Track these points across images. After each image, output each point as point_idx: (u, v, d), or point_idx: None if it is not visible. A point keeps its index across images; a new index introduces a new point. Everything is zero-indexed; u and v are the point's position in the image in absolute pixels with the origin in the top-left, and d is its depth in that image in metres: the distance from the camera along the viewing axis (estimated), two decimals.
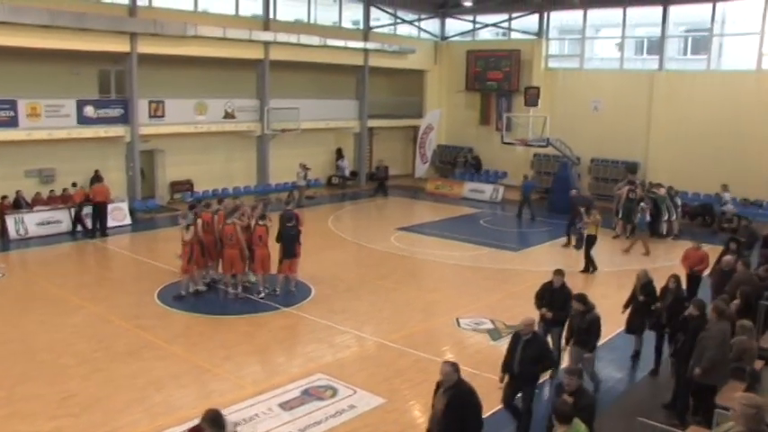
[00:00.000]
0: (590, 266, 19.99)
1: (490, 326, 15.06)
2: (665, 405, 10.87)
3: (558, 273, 12.39)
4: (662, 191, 25.15)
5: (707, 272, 15.98)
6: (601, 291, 16.99)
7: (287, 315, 15.58)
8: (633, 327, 13.17)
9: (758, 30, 27.98)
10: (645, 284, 12.91)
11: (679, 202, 25.40)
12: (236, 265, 16.63)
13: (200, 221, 16.91)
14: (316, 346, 13.70)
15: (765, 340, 12.53)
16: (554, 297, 12.24)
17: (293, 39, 29.66)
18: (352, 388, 11.72)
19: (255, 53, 29.21)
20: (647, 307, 12.79)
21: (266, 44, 29.35)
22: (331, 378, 12.10)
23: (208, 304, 16.44)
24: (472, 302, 16.76)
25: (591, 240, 20.06)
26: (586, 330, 11.09)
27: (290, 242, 16.94)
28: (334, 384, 11.87)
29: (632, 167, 30.37)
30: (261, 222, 16.81)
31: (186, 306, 16.01)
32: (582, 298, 11.35)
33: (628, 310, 13.22)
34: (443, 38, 38.76)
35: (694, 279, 15.91)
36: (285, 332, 14.58)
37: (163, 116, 26.65)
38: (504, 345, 13.74)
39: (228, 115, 28.95)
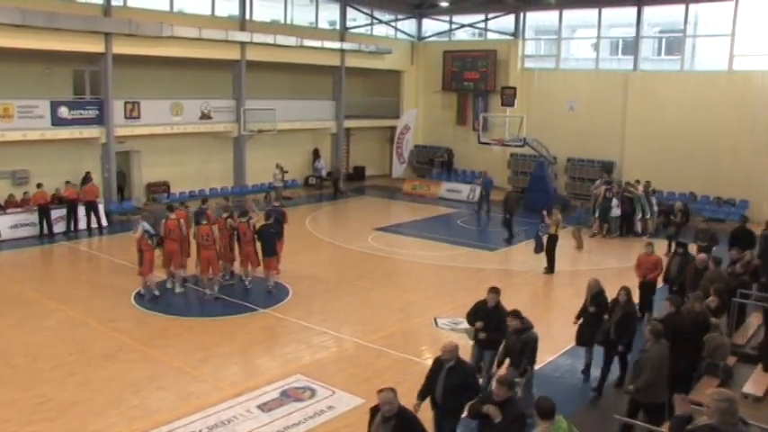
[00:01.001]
0: (553, 267, 19.99)
1: (467, 325, 14.98)
2: None
3: (493, 291, 11.32)
4: (639, 189, 25.40)
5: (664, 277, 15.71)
6: (576, 289, 17.12)
7: (265, 316, 15.54)
8: (583, 339, 12.46)
9: (729, 31, 28.45)
10: (595, 295, 12.21)
11: (655, 201, 25.66)
12: (213, 265, 16.69)
13: (162, 228, 17.06)
14: (294, 347, 13.68)
15: (738, 336, 12.75)
16: (488, 317, 11.14)
17: (269, 39, 29.59)
18: (331, 389, 11.72)
19: (232, 54, 29.11)
20: (598, 318, 12.10)
21: (242, 44, 29.27)
22: (310, 379, 12.09)
23: (185, 306, 16.37)
24: (450, 302, 16.78)
25: (553, 240, 20.00)
26: (520, 351, 10.28)
27: (268, 240, 17.06)
28: (312, 385, 11.86)
29: (608, 167, 30.66)
30: (243, 220, 17.09)
31: (163, 308, 15.92)
32: (518, 314, 10.54)
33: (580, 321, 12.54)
34: (420, 38, 38.85)
35: (648, 288, 15.28)
36: (263, 333, 14.54)
37: (138, 117, 26.44)
38: None
39: (205, 116, 28.81)
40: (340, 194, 32.46)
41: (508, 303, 16.73)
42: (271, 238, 17.21)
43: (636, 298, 14.35)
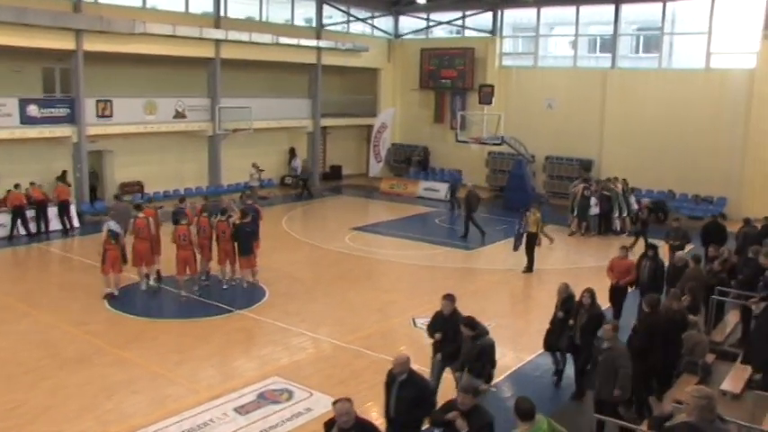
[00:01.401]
0: (532, 265, 20.07)
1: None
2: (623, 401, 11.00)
3: (447, 298, 10.77)
4: (618, 186, 25.60)
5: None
6: (555, 288, 17.22)
7: (241, 317, 15.49)
8: (550, 344, 12.22)
9: (706, 29, 28.79)
10: (565, 300, 11.98)
11: (633, 199, 25.86)
12: (190, 266, 16.68)
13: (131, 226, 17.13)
14: (271, 349, 13.66)
15: (716, 334, 12.92)
16: (445, 326, 10.63)
17: (245, 37, 29.49)
18: (309, 390, 11.71)
19: (206, 51, 28.95)
20: (566, 324, 11.88)
21: (217, 42, 29.12)
22: (287, 381, 12.07)
23: (160, 308, 16.31)
24: (428, 302, 16.53)
25: (532, 239, 20.03)
26: (477, 358, 9.89)
27: (244, 239, 17.14)
28: (290, 387, 11.84)
29: (586, 165, 30.93)
30: (222, 218, 17.27)
31: (138, 310, 15.82)
32: (470, 322, 10.11)
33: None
34: (397, 36, 38.89)
35: (619, 292, 14.88)
36: (240, 335, 14.50)
37: (111, 116, 26.18)
38: None
39: (179, 115, 28.62)
40: (308, 195, 32.03)
41: (488, 302, 16.89)
42: (247, 236, 17.29)
43: (606, 302, 14.50)
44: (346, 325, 15.19)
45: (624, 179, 26.48)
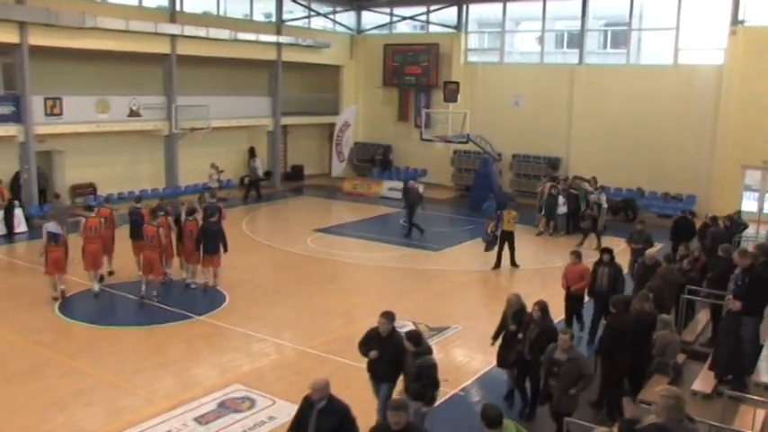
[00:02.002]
0: (499, 263, 20.42)
1: (413, 328, 15.08)
2: (592, 403, 11.11)
3: (386, 316, 10.16)
4: (585, 185, 25.78)
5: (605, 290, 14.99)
6: (524, 289, 17.32)
7: (201, 323, 15.35)
8: (506, 361, 11.48)
9: (674, 25, 29.22)
10: (516, 312, 11.38)
11: (604, 197, 25.99)
12: (155, 267, 16.66)
13: (82, 226, 17.23)
14: (232, 356, 13.56)
15: (687, 333, 13.09)
16: (382, 346, 9.97)
17: (202, 32, 29.23)
18: (271, 398, 11.63)
19: (161, 47, 28.64)
20: (516, 338, 11.32)
21: (173, 37, 28.81)
22: (249, 389, 11.98)
23: (115, 314, 16.08)
24: (394, 305, 16.34)
25: (508, 236, 20.45)
26: (416, 378, 9.40)
27: (211, 238, 17.25)
28: (252, 395, 11.75)
29: (554, 163, 31.17)
30: (190, 218, 17.61)
31: (90, 317, 15.56)
32: (415, 337, 9.70)
33: (498, 342, 11.73)
34: (359, 31, 38.88)
35: (575, 300, 14.74)
36: (199, 342, 14.36)
37: (61, 114, 25.77)
38: None
39: (133, 113, 28.28)
40: (256, 198, 31.48)
41: (455, 304, 16.94)
42: (214, 235, 17.43)
43: (562, 311, 14.63)
44: (310, 330, 15.13)
45: (593, 177, 26.66)
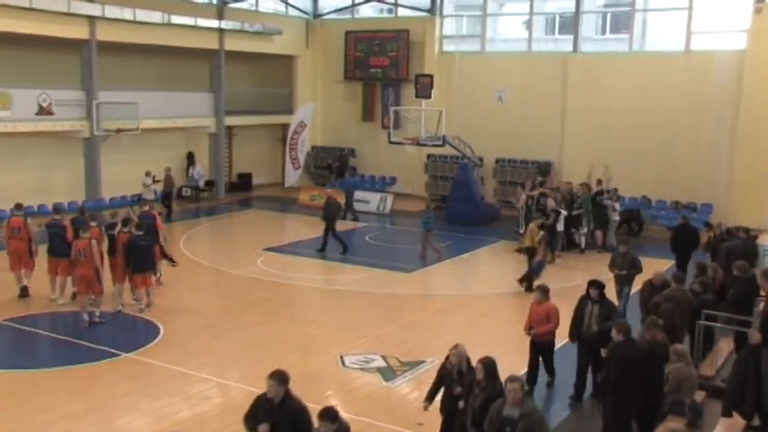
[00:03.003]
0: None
1: (381, 363, 15.15)
2: None
3: (276, 376, 9.25)
4: (582, 190, 25.56)
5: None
6: (509, 316, 17.28)
7: (128, 362, 15.10)
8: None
9: (686, 4, 29.34)
10: (462, 372, 10.52)
11: (618, 206, 26.01)
12: (92, 285, 16.99)
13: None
14: (167, 400, 13.38)
15: (705, 367, 13.03)
16: (274, 417, 9.05)
17: (127, 14, 28.99)
18: None
19: (77, 31, 28.30)
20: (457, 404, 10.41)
21: (92, 20, 28.49)
22: None
23: (19, 354, 15.73)
24: (359, 336, 16.80)
25: (530, 254, 20.63)
26: None
27: (139, 253, 17.56)
28: None
29: (544, 168, 31.19)
30: (125, 229, 17.99)
31: None
32: (331, 414, 8.50)
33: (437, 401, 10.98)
34: (316, 15, 38.87)
35: (539, 349, 13.72)
36: (127, 384, 14.08)
37: None
38: (400, 385, 13.86)
39: (44, 111, 27.84)
40: (167, 216, 30.34)
41: (430, 335, 16.87)
42: (143, 251, 17.66)
43: (524, 364, 13.95)
44: (260, 367, 14.68)
45: (599, 180, 26.51)
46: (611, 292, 16.99)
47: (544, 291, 13.82)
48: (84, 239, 16.97)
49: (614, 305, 14.03)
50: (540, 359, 13.81)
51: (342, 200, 29.30)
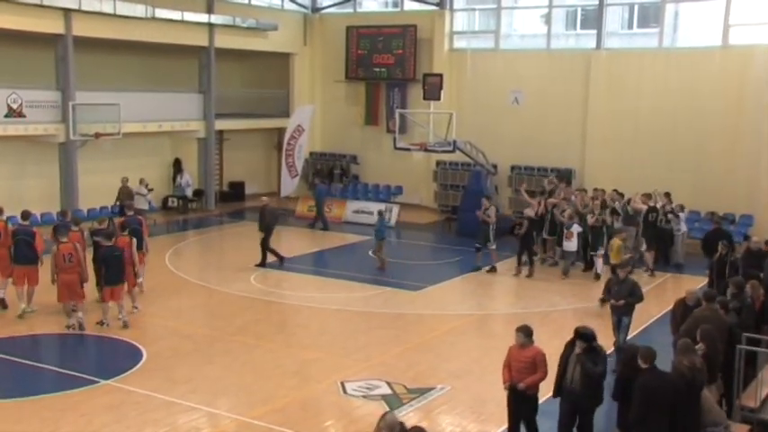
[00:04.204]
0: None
1: (386, 390, 15.10)
2: None
3: None
4: (595, 203, 25.24)
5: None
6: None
7: (107, 390, 15.02)
8: None
9: None
10: None
11: (683, 222, 25.66)
12: (75, 292, 17.78)
13: None
14: (150, 431, 13.28)
15: (747, 398, 12.80)
16: None
17: (107, 7, 28.99)
18: None
19: (52, 25, 28.31)
20: None
21: (67, 12, 28.46)
22: None
23: None
24: (362, 360, 16.81)
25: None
26: None
27: (113, 264, 17.90)
28: None
29: (565, 176, 31.06)
30: (123, 233, 19.01)
31: None
32: None
33: None
34: (315, 9, 38.98)
35: (523, 405, 12.13)
36: (105, 415, 13.98)
37: None
38: (407, 414, 13.72)
39: (14, 113, 27.79)
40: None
41: (439, 358, 16.81)
42: (117, 261, 17.99)
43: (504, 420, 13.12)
44: (254, 394, 15.00)
45: (615, 190, 26.48)
46: (606, 324, 16.90)
47: (527, 332, 12.12)
48: (67, 244, 17.71)
49: (605, 355, 12.10)
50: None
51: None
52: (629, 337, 16.62)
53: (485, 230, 24.80)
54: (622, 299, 16.35)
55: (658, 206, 25.38)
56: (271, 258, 24.87)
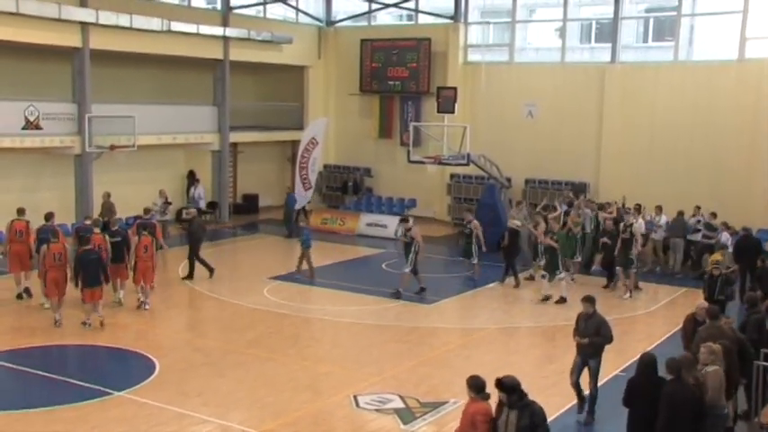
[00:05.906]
0: None
1: (399, 404, 15.06)
2: None
3: None
4: (608, 217, 25.07)
5: None
6: (542, 352, 17.08)
7: (119, 402, 15.01)
8: None
9: (740, 7, 29.10)
10: None
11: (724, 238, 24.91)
12: (60, 287, 19.23)
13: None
14: None
15: (766, 415, 12.68)
16: None
17: (123, 20, 29.11)
18: None
19: (69, 38, 28.46)
20: None
21: (84, 26, 28.63)
22: None
23: None
24: (375, 374, 16.75)
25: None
26: None
27: (89, 267, 18.80)
28: None
29: (579, 190, 30.98)
30: (145, 233, 20.92)
31: None
32: None
33: None
34: (329, 22, 39.05)
35: None
36: (118, 427, 13.99)
37: None
38: (419, 428, 13.66)
39: (31, 125, 27.94)
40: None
41: (453, 373, 16.71)
42: (95, 265, 18.95)
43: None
44: (266, 407, 14.95)
45: (639, 205, 26.14)
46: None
47: (477, 386, 10.38)
48: (56, 244, 19.59)
49: (542, 413, 10.25)
50: None
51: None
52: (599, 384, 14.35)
53: (467, 244, 25.29)
54: (588, 337, 14.02)
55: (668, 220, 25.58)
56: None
